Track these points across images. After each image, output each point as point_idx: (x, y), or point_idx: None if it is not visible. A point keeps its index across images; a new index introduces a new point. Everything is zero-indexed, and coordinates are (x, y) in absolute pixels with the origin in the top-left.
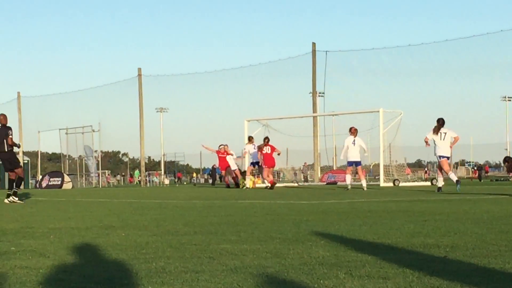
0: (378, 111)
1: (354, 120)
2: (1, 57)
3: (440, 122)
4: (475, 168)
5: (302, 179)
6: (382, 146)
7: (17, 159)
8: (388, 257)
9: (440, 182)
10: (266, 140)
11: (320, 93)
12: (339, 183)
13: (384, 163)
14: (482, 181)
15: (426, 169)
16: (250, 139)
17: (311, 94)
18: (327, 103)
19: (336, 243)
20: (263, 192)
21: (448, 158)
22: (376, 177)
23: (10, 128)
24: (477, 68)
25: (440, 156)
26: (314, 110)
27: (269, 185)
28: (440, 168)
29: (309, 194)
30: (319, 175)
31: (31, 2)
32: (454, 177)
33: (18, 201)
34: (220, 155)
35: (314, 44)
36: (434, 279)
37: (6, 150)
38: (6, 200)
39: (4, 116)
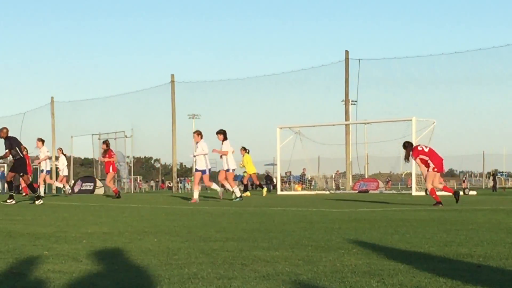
0: (411, 120)
1: (386, 129)
2: (35, 62)
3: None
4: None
5: (334, 187)
6: None
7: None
8: (421, 266)
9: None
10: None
11: (352, 101)
12: (371, 191)
13: (416, 172)
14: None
15: (464, 179)
16: (200, 134)
17: (343, 102)
18: (359, 111)
19: (368, 252)
20: (291, 200)
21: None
22: (408, 186)
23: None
24: (511, 76)
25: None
26: (347, 118)
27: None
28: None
29: (340, 202)
30: (351, 184)
31: (65, 7)
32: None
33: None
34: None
35: (347, 52)
36: None
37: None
38: (36, 203)
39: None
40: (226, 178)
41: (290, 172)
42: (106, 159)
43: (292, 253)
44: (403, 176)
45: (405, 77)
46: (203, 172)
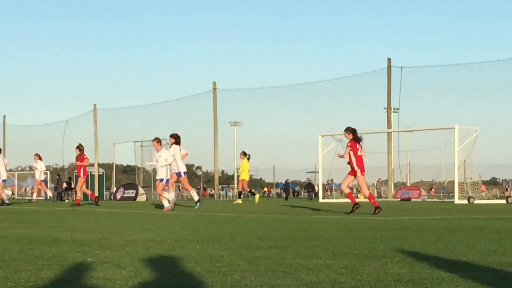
0: (454, 128)
1: (429, 137)
2: (78, 70)
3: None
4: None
5: (376, 195)
6: (457, 163)
7: None
8: (464, 275)
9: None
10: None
11: (394, 108)
12: (413, 199)
13: (459, 180)
14: None
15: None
16: (160, 142)
17: (385, 110)
18: (401, 119)
19: (411, 260)
20: (333, 207)
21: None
22: (451, 194)
23: None
24: None
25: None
26: (389, 126)
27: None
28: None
29: (382, 210)
30: (393, 191)
31: (108, 16)
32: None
33: None
34: None
35: (389, 59)
36: None
37: None
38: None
39: None
40: (175, 182)
41: (332, 180)
42: (78, 163)
43: (334, 261)
44: (445, 184)
45: (447, 84)
46: (161, 180)
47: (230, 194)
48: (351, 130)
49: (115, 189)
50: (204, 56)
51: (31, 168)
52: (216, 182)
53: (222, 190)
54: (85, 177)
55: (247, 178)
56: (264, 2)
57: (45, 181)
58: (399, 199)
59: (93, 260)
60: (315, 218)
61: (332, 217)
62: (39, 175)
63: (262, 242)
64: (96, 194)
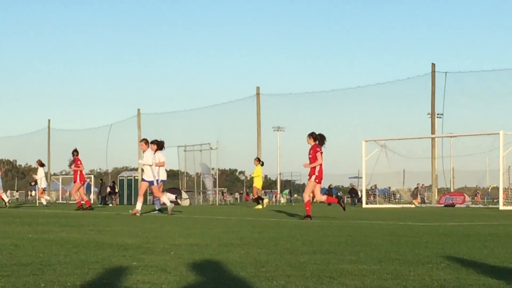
0: (498, 134)
1: (473, 142)
2: (123, 75)
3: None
4: None
5: (420, 201)
6: (502, 169)
7: None
8: (511, 282)
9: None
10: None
11: (438, 114)
12: (457, 205)
13: (504, 186)
14: None
15: None
16: (147, 143)
17: (429, 115)
18: (445, 125)
19: (457, 266)
20: (377, 213)
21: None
22: (495, 200)
23: None
24: None
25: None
26: (432, 132)
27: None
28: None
29: (426, 216)
30: (436, 197)
31: (152, 22)
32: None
33: None
34: None
35: (433, 65)
36: None
37: None
38: None
39: None
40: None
41: (375, 185)
42: (74, 168)
43: (379, 267)
44: (489, 190)
45: (492, 90)
46: (150, 183)
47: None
48: (316, 136)
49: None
50: (248, 61)
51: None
52: None
53: (265, 195)
54: (82, 182)
55: (260, 186)
56: (307, 8)
57: (88, 185)
58: (443, 205)
59: (138, 264)
60: (359, 223)
61: (376, 223)
62: (40, 183)
63: (307, 247)
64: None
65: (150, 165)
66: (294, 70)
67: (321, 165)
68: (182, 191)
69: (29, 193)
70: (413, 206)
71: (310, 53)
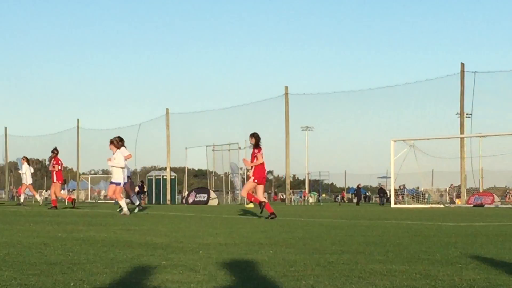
0: None
1: (502, 142)
2: (152, 75)
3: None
4: None
5: (448, 201)
6: None
7: None
8: None
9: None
10: None
11: (467, 114)
12: (486, 205)
13: None
14: None
15: None
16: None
17: (458, 115)
18: (474, 124)
19: (486, 266)
20: (405, 213)
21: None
22: None
23: None
24: None
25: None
26: (461, 131)
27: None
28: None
29: (455, 216)
30: (465, 197)
31: (181, 20)
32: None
33: None
34: None
35: (462, 64)
36: None
37: None
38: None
39: None
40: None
41: (404, 185)
42: (51, 168)
43: (408, 267)
44: None
45: None
46: (118, 184)
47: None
48: (256, 136)
49: (186, 193)
50: (276, 60)
51: (104, 172)
52: (288, 186)
53: (293, 194)
54: (60, 182)
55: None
56: (336, 7)
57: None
58: (471, 205)
59: (167, 264)
60: (387, 223)
61: (405, 223)
62: (26, 179)
63: (335, 247)
64: (168, 197)
65: (123, 168)
66: (322, 70)
67: (261, 165)
68: (210, 190)
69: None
70: (442, 206)
71: (338, 52)
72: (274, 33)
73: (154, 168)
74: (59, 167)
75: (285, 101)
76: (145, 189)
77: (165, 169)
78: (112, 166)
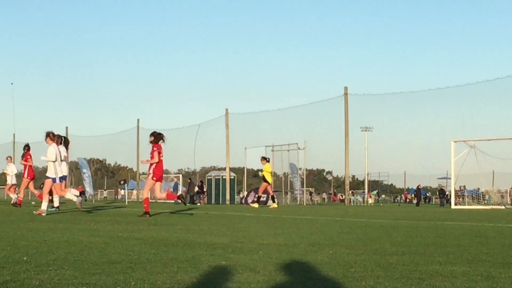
0: None
1: None
2: (211, 74)
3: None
4: None
5: (509, 202)
6: None
7: None
8: None
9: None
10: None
11: None
12: None
13: None
14: None
15: None
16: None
17: None
18: None
19: None
20: (466, 214)
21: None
22: None
23: None
24: None
25: None
26: None
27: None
28: None
29: None
30: None
31: (240, 20)
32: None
33: None
34: None
35: None
36: None
37: None
38: None
39: None
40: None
41: (464, 186)
42: (23, 163)
43: (469, 268)
44: None
45: None
46: (53, 180)
47: (360, 199)
48: (157, 135)
49: (246, 193)
50: (336, 61)
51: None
52: (347, 187)
53: (353, 195)
54: (30, 177)
55: (271, 181)
56: (395, 7)
57: (175, 185)
58: None
59: (227, 264)
60: (447, 224)
61: (465, 224)
62: (11, 179)
63: (395, 248)
64: (228, 197)
65: (54, 161)
66: (382, 70)
67: (158, 163)
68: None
69: (119, 191)
70: (503, 207)
71: (398, 52)
72: (334, 33)
73: (213, 168)
74: (32, 163)
75: (344, 101)
76: (205, 189)
77: (224, 169)
78: (45, 160)
